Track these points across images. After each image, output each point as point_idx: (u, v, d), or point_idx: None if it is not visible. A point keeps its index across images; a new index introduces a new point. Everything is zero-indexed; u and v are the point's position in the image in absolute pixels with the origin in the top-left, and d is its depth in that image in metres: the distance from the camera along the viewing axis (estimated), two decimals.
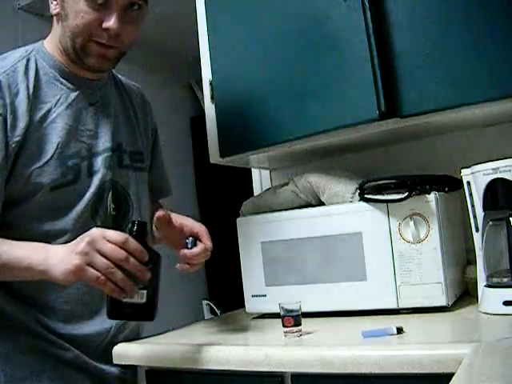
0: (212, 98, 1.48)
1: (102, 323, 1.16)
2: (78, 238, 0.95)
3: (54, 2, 1.10)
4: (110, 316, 0.96)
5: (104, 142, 1.17)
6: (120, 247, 0.91)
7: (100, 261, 0.90)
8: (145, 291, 0.94)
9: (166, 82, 3.50)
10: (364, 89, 1.23)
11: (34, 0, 2.39)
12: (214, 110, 1.47)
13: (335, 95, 1.28)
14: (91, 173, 1.13)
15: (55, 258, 0.95)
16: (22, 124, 1.05)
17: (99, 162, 1.15)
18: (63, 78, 1.14)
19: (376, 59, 1.23)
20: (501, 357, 0.76)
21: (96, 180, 1.14)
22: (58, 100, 1.12)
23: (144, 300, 0.94)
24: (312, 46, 1.32)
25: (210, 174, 3.26)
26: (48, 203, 1.09)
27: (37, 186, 1.07)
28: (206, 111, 1.51)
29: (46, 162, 1.08)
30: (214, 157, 1.48)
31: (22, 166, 1.06)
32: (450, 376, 0.69)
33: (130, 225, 0.97)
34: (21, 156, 1.06)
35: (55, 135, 1.10)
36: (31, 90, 1.08)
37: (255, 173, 1.88)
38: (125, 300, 0.93)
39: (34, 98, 1.08)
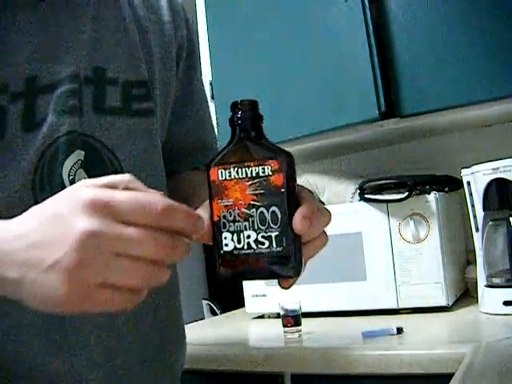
0: (212, 97, 1.48)
1: None
2: (44, 222, 0.44)
3: None
4: (221, 280, 0.53)
5: (64, 65, 0.65)
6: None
7: (122, 272, 0.43)
8: (275, 232, 0.50)
9: None
10: (364, 89, 1.23)
11: None
12: (213, 109, 1.47)
13: (335, 95, 1.28)
14: (32, 123, 0.62)
15: (14, 266, 0.44)
16: None
17: (48, 104, 0.63)
18: None
19: (376, 59, 1.23)
20: (501, 357, 0.76)
21: (40, 137, 0.62)
22: None
23: (279, 246, 0.50)
24: (312, 45, 1.32)
25: None
26: None
27: None
28: None
29: None
30: None
31: None
32: (450, 376, 0.69)
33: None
34: None
35: None
36: None
37: None
38: (238, 251, 0.51)
39: None
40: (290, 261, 0.50)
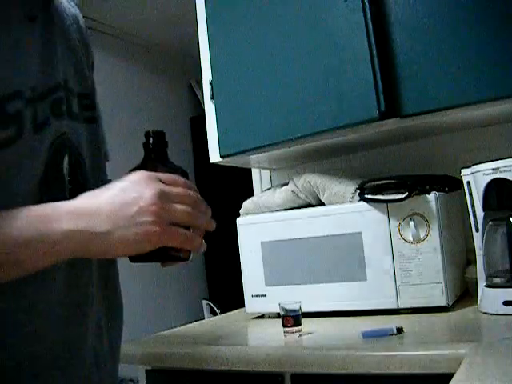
0: (212, 97, 1.48)
1: None
2: (118, 190, 0.66)
3: None
4: (133, 260, 0.71)
5: (51, 75, 0.74)
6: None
7: (182, 213, 0.67)
8: None
9: (166, 82, 3.50)
10: (364, 89, 1.23)
11: None
12: (213, 110, 1.47)
13: (335, 95, 1.28)
14: (37, 125, 0.70)
15: (103, 222, 0.63)
16: None
17: (47, 109, 0.72)
18: None
19: (376, 59, 1.23)
20: (501, 357, 0.76)
21: (47, 137, 0.71)
22: None
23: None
24: (312, 45, 1.31)
25: (210, 174, 3.26)
26: None
27: None
28: (206, 111, 1.51)
29: None
30: (214, 157, 1.48)
31: None
32: (450, 376, 0.69)
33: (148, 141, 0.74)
34: None
35: None
36: None
37: (255, 173, 1.88)
38: None
39: None
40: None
